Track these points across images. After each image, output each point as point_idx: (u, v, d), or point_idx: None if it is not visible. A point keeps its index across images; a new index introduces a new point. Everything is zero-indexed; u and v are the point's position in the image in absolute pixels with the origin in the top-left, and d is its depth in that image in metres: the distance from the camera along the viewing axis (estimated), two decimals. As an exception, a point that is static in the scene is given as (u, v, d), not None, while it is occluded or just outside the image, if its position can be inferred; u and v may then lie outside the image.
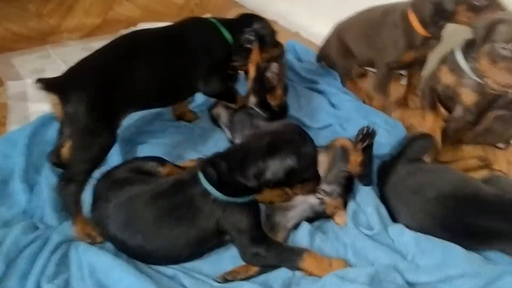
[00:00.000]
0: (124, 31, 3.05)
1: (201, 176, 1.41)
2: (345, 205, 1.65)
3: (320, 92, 2.33)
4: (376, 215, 1.55)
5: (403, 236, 1.50)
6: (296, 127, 1.51)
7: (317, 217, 1.63)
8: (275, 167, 1.38)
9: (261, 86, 1.95)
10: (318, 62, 2.56)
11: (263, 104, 1.94)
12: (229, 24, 1.97)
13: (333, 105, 2.23)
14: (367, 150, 1.68)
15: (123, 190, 1.47)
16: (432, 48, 2.06)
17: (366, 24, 2.20)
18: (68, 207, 1.53)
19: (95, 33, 3.14)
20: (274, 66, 2.02)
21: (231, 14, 3.42)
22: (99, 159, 1.56)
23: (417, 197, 1.52)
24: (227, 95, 2.01)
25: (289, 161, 1.38)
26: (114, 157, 1.81)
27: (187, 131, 2.08)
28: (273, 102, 2.00)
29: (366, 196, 1.62)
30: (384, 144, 1.88)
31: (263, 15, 3.23)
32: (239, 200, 1.42)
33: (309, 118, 2.14)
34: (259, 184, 1.41)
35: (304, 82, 2.41)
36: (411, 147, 1.68)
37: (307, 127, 2.10)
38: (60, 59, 2.72)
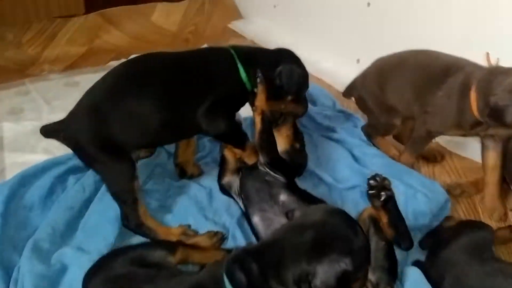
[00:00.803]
0: (114, 63, 2.79)
1: (226, 281, 1.12)
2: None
3: (338, 141, 2.08)
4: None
5: None
6: (342, 214, 1.25)
7: None
8: (325, 273, 1.10)
9: (269, 142, 1.67)
10: (344, 97, 2.28)
11: (274, 164, 1.66)
12: (252, 58, 1.72)
13: (355, 159, 1.97)
14: (389, 205, 1.42)
15: None
16: (483, 132, 1.73)
17: (420, 73, 1.85)
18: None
19: (79, 64, 2.84)
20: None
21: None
22: (128, 184, 1.55)
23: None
24: (233, 138, 1.73)
25: (342, 264, 1.11)
26: (109, 229, 1.53)
27: (192, 191, 1.79)
28: (282, 146, 1.74)
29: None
30: (424, 213, 1.64)
31: (264, 47, 3.11)
32: None
33: (331, 176, 1.87)
34: None
35: (320, 130, 2.15)
36: (470, 237, 1.40)
37: (329, 185, 1.84)
38: (40, 96, 2.40)
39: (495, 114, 1.55)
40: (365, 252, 1.18)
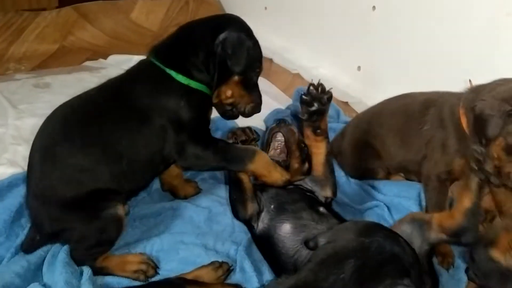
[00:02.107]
0: (90, 63, 2.51)
1: None
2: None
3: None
4: None
5: None
6: (377, 227, 1.06)
7: None
8: None
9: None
10: None
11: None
12: (180, 48, 1.40)
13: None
14: (315, 118, 1.36)
15: None
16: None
17: (400, 116, 1.68)
18: None
19: (49, 63, 2.55)
20: (277, 134, 1.48)
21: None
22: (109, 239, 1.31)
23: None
24: (223, 162, 1.38)
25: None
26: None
27: (188, 214, 1.53)
28: (293, 178, 1.46)
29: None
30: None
31: None
32: None
33: (346, 195, 1.67)
34: None
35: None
36: None
37: (342, 205, 1.63)
38: (5, 99, 2.09)
39: (478, 124, 1.37)
40: (417, 263, 0.99)
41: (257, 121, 2.05)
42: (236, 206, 1.41)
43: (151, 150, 1.34)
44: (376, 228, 1.08)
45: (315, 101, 1.35)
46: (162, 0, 3.10)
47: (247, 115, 1.50)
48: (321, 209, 1.35)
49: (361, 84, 2.44)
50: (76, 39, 2.71)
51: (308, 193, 1.42)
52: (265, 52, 2.75)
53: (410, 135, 1.63)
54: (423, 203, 1.59)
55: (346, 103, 2.37)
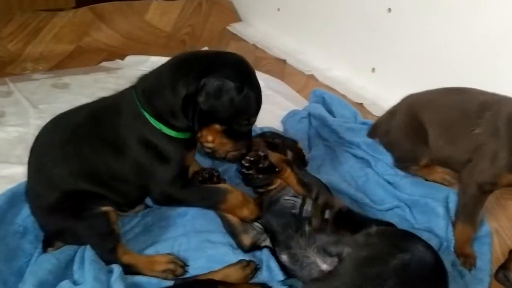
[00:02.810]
0: (107, 64, 2.53)
1: None
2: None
3: (363, 159, 1.87)
4: None
5: None
6: (415, 239, 1.04)
7: None
8: None
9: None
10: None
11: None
12: (153, 94, 1.30)
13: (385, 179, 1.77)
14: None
15: None
16: None
17: (455, 111, 1.61)
18: None
19: (66, 63, 2.56)
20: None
21: (229, 48, 3.00)
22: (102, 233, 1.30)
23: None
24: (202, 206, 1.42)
25: None
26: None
27: (214, 214, 1.54)
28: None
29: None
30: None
31: (268, 51, 2.90)
32: None
33: (366, 195, 1.68)
34: None
35: (343, 144, 1.95)
36: None
37: (363, 206, 1.64)
38: (25, 98, 2.10)
39: None
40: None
41: (275, 123, 2.07)
42: (234, 240, 1.42)
43: (128, 179, 1.34)
44: (413, 239, 1.05)
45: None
46: (176, 1, 3.12)
47: (228, 161, 1.40)
48: (307, 228, 1.30)
49: (376, 86, 2.45)
50: (92, 40, 2.73)
51: (293, 211, 1.37)
52: (279, 54, 2.82)
53: (460, 134, 1.57)
54: (450, 205, 1.57)
55: (361, 104, 2.38)
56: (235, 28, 3.15)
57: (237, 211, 1.39)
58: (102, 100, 1.41)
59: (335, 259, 1.12)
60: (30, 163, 1.37)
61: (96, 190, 1.32)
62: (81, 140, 1.33)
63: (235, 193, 1.39)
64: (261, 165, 1.34)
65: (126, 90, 1.37)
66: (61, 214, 1.29)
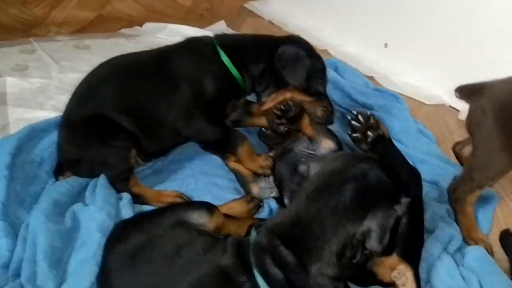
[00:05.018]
0: (126, 31, 2.61)
1: (259, 277, 0.92)
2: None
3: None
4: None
5: None
6: (366, 157, 1.09)
7: None
8: (380, 227, 0.93)
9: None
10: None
11: None
12: (242, 45, 1.52)
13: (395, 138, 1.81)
14: (380, 146, 1.18)
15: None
16: None
17: None
18: None
19: (87, 29, 2.66)
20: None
21: (245, 24, 3.07)
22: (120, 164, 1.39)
23: None
24: (219, 143, 1.50)
25: (394, 212, 0.95)
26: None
27: (221, 163, 1.61)
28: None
29: (485, 267, 1.21)
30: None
31: (283, 28, 2.95)
32: None
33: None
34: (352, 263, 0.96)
35: (355, 107, 1.98)
36: None
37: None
38: (48, 55, 2.20)
39: None
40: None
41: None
42: (243, 188, 1.52)
43: (169, 122, 1.44)
44: (373, 159, 1.11)
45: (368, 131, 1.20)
46: (197, -23, 3.19)
47: (321, 120, 1.50)
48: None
49: (388, 61, 2.48)
50: (114, 9, 2.81)
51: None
52: (294, 30, 2.86)
53: None
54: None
55: (372, 77, 2.41)
56: (252, 5, 3.20)
57: (248, 160, 1.48)
58: (167, 46, 1.53)
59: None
60: (78, 88, 1.45)
61: (130, 128, 1.40)
62: (141, 74, 1.44)
63: (249, 143, 1.49)
64: (291, 114, 1.44)
65: (196, 38, 1.54)
66: (88, 137, 1.36)
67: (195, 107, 1.42)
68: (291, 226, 0.96)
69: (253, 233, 0.98)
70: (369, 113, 1.19)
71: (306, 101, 1.49)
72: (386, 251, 0.96)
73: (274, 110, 1.46)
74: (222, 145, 1.51)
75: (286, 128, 1.50)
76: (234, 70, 1.46)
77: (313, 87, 1.49)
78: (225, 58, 1.46)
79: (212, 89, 1.43)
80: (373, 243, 0.93)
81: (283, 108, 1.45)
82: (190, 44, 1.52)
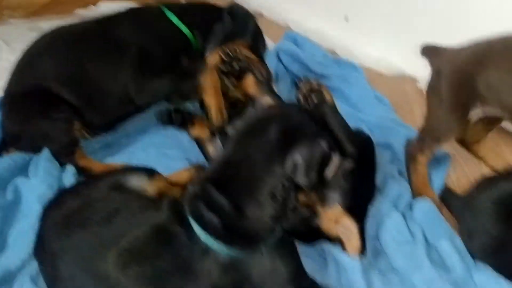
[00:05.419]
0: (81, 11, 2.56)
1: (194, 224, 0.92)
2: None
3: (333, 90, 1.90)
4: (454, 252, 1.14)
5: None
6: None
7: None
8: (306, 161, 0.94)
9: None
10: None
11: None
12: (185, 10, 1.58)
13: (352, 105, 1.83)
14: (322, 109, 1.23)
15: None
16: None
17: None
18: None
19: (42, 12, 2.59)
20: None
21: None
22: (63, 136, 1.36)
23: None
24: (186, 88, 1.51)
25: (319, 146, 0.96)
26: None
27: (173, 132, 1.59)
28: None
29: (431, 219, 1.22)
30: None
31: (244, 5, 2.92)
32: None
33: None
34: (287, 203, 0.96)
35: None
36: None
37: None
38: (1, 39, 2.14)
39: None
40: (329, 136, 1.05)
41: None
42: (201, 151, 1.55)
43: (118, 84, 1.42)
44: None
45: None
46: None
47: (264, 78, 1.53)
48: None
49: (349, 34, 2.48)
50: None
51: None
52: (255, 6, 2.82)
53: None
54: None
55: (334, 52, 2.41)
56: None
57: (208, 95, 1.48)
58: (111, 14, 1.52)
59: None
60: (18, 60, 1.42)
61: (72, 100, 1.37)
62: (84, 43, 1.41)
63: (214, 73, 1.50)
64: (237, 65, 1.50)
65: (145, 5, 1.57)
66: (28, 110, 1.33)
67: (145, 69, 1.42)
68: (222, 171, 0.96)
69: (189, 187, 0.97)
70: (314, 80, 1.26)
71: (251, 59, 1.52)
72: (316, 187, 0.98)
73: (221, 54, 1.49)
74: (188, 87, 1.50)
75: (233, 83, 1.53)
76: (184, 28, 1.50)
77: (256, 48, 1.56)
78: (174, 18, 1.50)
79: (161, 49, 1.47)
80: (299, 177, 0.94)
81: (230, 54, 1.49)
82: (136, 9, 1.54)
